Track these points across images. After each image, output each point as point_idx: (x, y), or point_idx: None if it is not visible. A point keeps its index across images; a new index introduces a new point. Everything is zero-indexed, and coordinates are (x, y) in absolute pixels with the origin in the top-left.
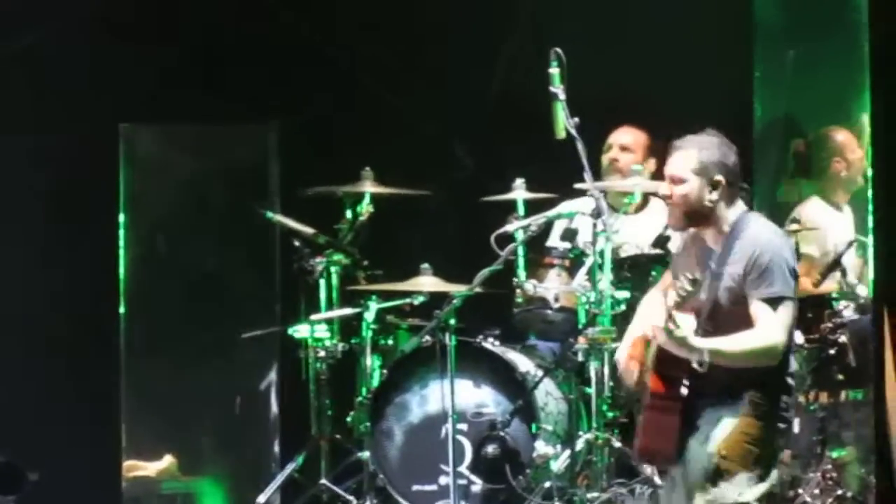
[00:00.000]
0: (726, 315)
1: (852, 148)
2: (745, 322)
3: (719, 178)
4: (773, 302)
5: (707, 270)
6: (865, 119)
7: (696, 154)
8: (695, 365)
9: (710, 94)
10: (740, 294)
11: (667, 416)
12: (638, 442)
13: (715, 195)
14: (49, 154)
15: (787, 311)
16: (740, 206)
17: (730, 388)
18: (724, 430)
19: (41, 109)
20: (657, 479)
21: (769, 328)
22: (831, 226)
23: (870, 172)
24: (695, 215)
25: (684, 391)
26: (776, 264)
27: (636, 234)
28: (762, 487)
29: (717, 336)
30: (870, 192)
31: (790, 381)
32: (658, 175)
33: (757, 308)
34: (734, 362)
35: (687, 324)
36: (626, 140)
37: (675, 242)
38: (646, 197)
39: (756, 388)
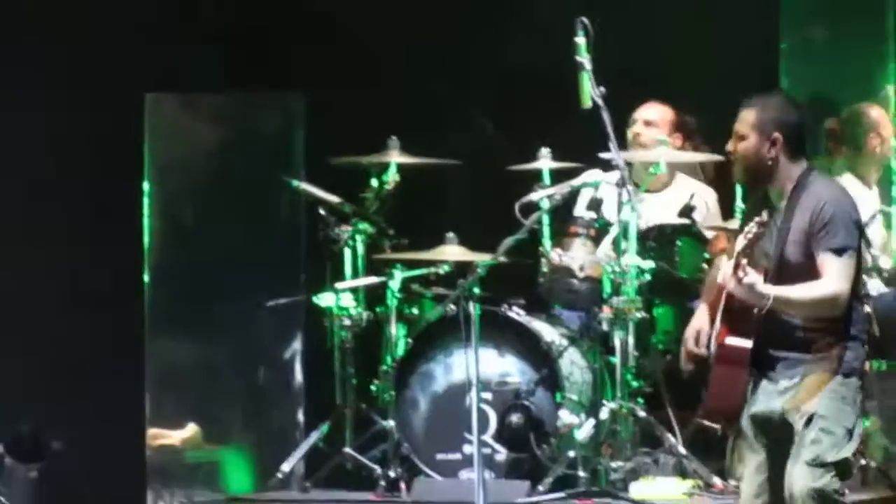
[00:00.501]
0: (794, 270)
1: (885, 124)
2: (812, 276)
3: (777, 134)
4: (838, 252)
5: (774, 227)
6: (891, 91)
7: (757, 111)
8: (756, 310)
9: (736, 68)
10: (807, 248)
11: (735, 369)
12: (707, 400)
13: (773, 152)
14: (74, 124)
15: (850, 262)
16: (804, 164)
17: (803, 342)
18: (811, 388)
19: (67, 79)
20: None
21: (834, 277)
22: (860, 202)
23: (895, 143)
24: (755, 171)
25: (751, 343)
26: (840, 216)
27: (661, 211)
28: (854, 443)
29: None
30: (894, 163)
31: (860, 334)
32: (684, 150)
33: (823, 259)
34: (800, 310)
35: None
36: (651, 115)
37: (701, 211)
38: (671, 173)
39: (831, 341)
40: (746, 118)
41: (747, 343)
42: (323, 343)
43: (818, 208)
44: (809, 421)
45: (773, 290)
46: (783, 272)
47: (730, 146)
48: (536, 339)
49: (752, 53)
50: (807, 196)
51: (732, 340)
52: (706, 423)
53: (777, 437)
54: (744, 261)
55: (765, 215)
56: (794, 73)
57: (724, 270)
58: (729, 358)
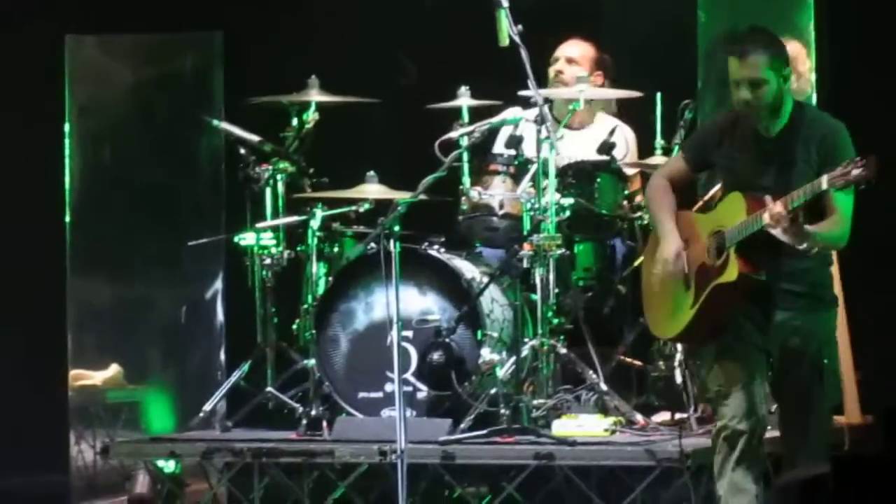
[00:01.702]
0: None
1: (802, 59)
2: (819, 209)
3: (788, 69)
4: (849, 187)
5: (768, 160)
6: (811, 28)
7: (766, 53)
8: (803, 250)
9: (652, 3)
10: (814, 177)
11: (734, 297)
12: (691, 321)
13: (786, 86)
14: None
15: (853, 197)
16: (791, 95)
17: (797, 277)
18: (805, 326)
19: None
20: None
21: (847, 212)
22: None
23: (813, 78)
24: (775, 112)
25: (764, 274)
26: (846, 147)
27: (581, 148)
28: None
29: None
30: (814, 98)
31: None
32: (603, 87)
33: (835, 194)
34: (827, 247)
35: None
36: (573, 52)
37: (620, 148)
38: (591, 111)
39: (818, 276)
40: (758, 63)
41: (762, 277)
42: (244, 282)
43: (827, 141)
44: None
45: (813, 230)
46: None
47: (746, 95)
48: (457, 277)
49: None
50: (806, 129)
51: (749, 271)
52: (676, 343)
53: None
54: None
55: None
56: (713, 10)
57: (775, 210)
58: (742, 287)
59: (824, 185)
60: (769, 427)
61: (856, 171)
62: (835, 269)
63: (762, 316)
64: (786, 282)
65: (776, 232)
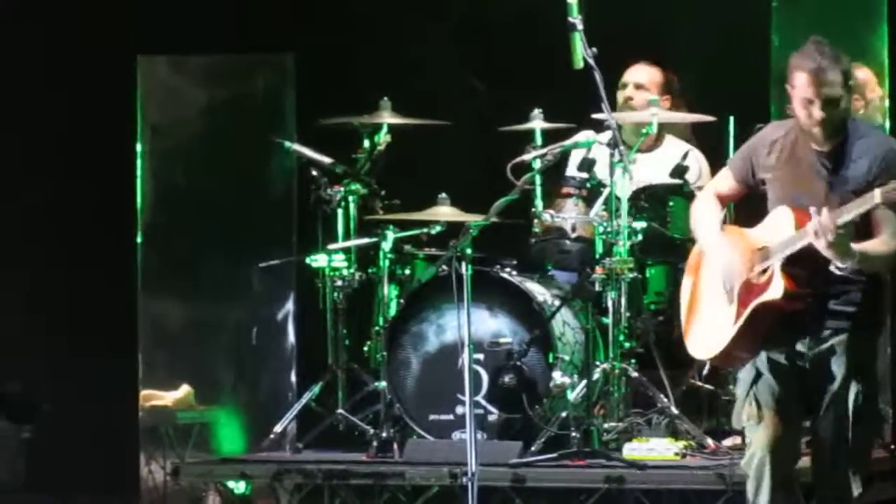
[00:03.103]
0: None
1: (872, 87)
2: (867, 226)
3: (852, 83)
4: None
5: (820, 174)
6: (884, 54)
7: (843, 71)
8: (833, 268)
9: (726, 26)
10: (866, 195)
11: (777, 315)
12: (732, 339)
13: (849, 104)
14: (67, 85)
15: None
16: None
17: (841, 296)
18: (848, 349)
19: (59, 40)
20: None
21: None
22: None
23: (887, 103)
24: (834, 130)
25: (810, 292)
26: None
27: (652, 171)
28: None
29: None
30: (887, 125)
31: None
32: (672, 110)
33: (884, 213)
34: (870, 267)
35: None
36: (642, 78)
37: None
38: (661, 134)
39: (864, 298)
40: (837, 81)
41: (807, 296)
42: (315, 304)
43: (879, 155)
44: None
45: (857, 247)
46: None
47: (819, 114)
48: (528, 300)
49: (742, 12)
50: (865, 141)
51: (795, 287)
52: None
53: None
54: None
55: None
56: (785, 30)
57: (824, 222)
58: (779, 307)
59: (877, 199)
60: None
61: (890, 193)
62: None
63: (803, 338)
64: (832, 302)
65: (820, 246)
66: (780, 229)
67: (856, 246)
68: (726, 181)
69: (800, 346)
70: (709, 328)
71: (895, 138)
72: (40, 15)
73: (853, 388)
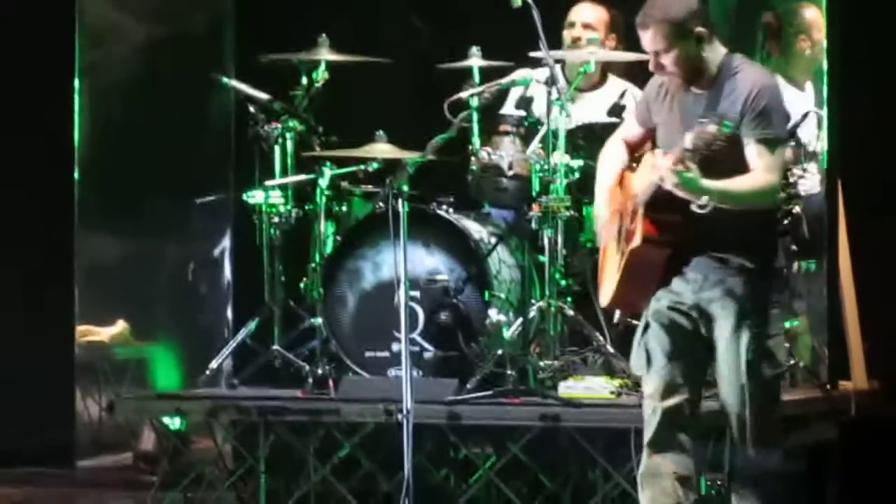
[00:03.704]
0: (718, 154)
1: (819, 27)
2: (737, 162)
3: (700, 29)
4: (771, 143)
5: (694, 114)
6: None
7: (666, 20)
8: (695, 208)
9: None
10: (734, 134)
11: (653, 262)
12: (616, 288)
13: (703, 46)
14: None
15: (782, 153)
16: (718, 45)
17: (725, 240)
18: (735, 293)
19: None
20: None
21: (769, 169)
22: (792, 103)
23: (825, 44)
24: (694, 74)
25: (676, 235)
26: (774, 105)
27: (592, 109)
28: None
29: (710, 177)
30: (825, 65)
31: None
32: (618, 49)
33: (755, 149)
34: (738, 204)
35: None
36: (589, 17)
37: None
38: (603, 74)
39: (752, 241)
40: (656, 33)
41: (664, 250)
42: (252, 240)
43: (751, 95)
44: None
45: (714, 186)
46: (707, 159)
47: (651, 67)
48: (465, 237)
49: None
50: (736, 82)
51: (657, 232)
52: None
53: (693, 330)
54: (689, 155)
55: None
56: None
57: (659, 163)
58: (648, 251)
59: (686, 144)
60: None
61: (711, 128)
62: (842, 236)
63: (684, 284)
64: (711, 246)
65: (667, 186)
66: (646, 174)
67: (712, 183)
68: (631, 127)
69: (683, 293)
70: (606, 275)
71: (768, 71)
72: None
73: (744, 337)
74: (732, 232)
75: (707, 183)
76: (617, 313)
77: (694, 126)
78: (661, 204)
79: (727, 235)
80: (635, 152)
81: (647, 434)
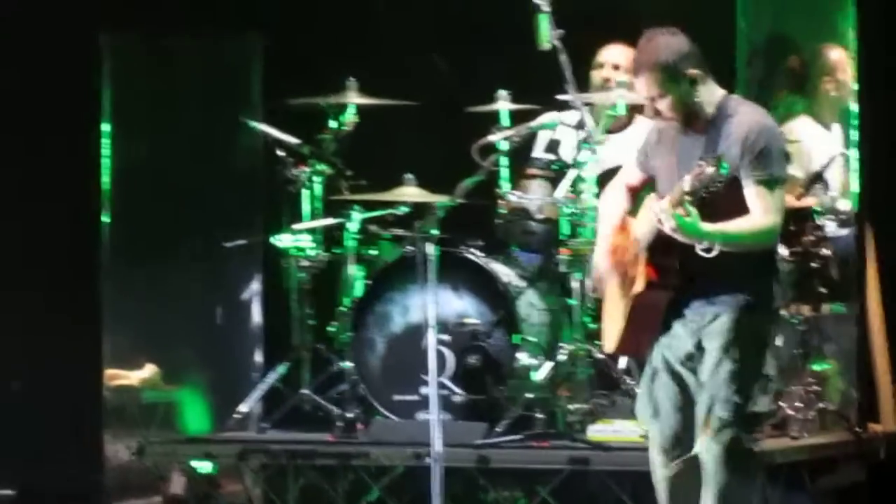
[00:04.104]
0: (718, 198)
1: (844, 67)
2: (736, 204)
3: (692, 70)
4: (770, 184)
5: (692, 158)
6: (852, 35)
7: (657, 65)
8: (701, 252)
9: (692, 9)
10: (733, 176)
11: (656, 306)
12: (621, 333)
13: (698, 89)
14: (29, 64)
15: (782, 194)
16: (715, 86)
17: (721, 282)
18: (725, 330)
19: (19, 18)
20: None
21: (768, 210)
22: (819, 143)
23: (855, 87)
24: (690, 117)
25: (676, 281)
26: (772, 146)
27: (620, 152)
28: (767, 399)
29: (709, 220)
30: (855, 107)
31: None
32: None
33: (754, 191)
34: (738, 246)
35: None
36: (619, 59)
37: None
38: (631, 114)
39: (749, 282)
40: (650, 79)
41: (666, 294)
42: (281, 284)
43: (749, 137)
44: (725, 357)
45: (713, 229)
46: (707, 203)
47: (649, 113)
48: (494, 280)
49: None
50: (734, 123)
51: (657, 277)
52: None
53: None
54: (688, 199)
55: (723, 160)
56: (752, 16)
57: (659, 207)
58: (650, 296)
59: (685, 187)
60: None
61: (709, 170)
62: (871, 278)
63: (685, 327)
64: (713, 287)
65: (667, 230)
66: (646, 219)
67: (712, 226)
68: (633, 171)
69: (683, 338)
70: (610, 321)
71: (766, 112)
72: None
73: (725, 368)
74: (728, 271)
75: (706, 226)
76: (621, 360)
77: (693, 168)
78: (661, 248)
79: (724, 275)
80: (636, 197)
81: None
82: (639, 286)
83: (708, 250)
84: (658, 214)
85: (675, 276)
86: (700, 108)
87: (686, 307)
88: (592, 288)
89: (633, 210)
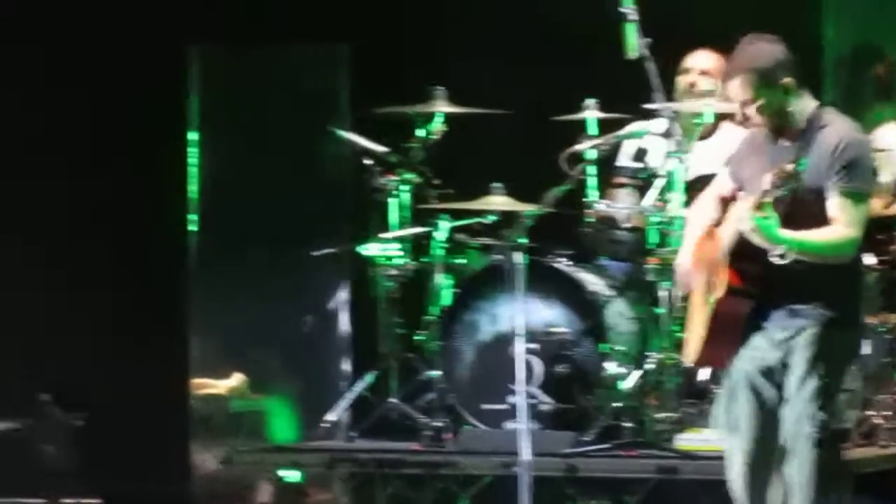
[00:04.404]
0: (803, 208)
1: None
2: (820, 215)
3: (787, 79)
4: (855, 197)
5: (773, 165)
6: None
7: (753, 70)
8: (774, 259)
9: (778, 15)
10: (819, 187)
11: (737, 314)
12: (703, 343)
13: (791, 98)
14: (118, 74)
15: (866, 208)
16: (808, 98)
17: (806, 293)
18: (810, 345)
19: (108, 30)
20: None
21: (849, 223)
22: None
23: None
24: (781, 125)
25: (759, 286)
26: (861, 160)
27: (707, 159)
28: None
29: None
30: None
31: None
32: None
33: (838, 202)
34: (815, 256)
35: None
36: (706, 64)
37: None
38: (717, 121)
39: (835, 295)
40: (745, 83)
41: (747, 302)
42: (369, 293)
43: (839, 148)
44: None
45: (791, 236)
46: (792, 210)
47: (738, 119)
48: (582, 289)
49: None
50: (825, 134)
51: (740, 282)
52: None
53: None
54: (767, 199)
55: (791, 167)
56: (839, 24)
57: (739, 213)
58: (732, 302)
59: (765, 185)
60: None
61: (788, 167)
62: None
63: (766, 337)
64: (793, 298)
65: (746, 231)
66: (731, 223)
67: (790, 233)
68: (725, 181)
69: (765, 351)
70: (693, 331)
71: (857, 127)
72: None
73: (809, 386)
74: (814, 283)
75: (784, 233)
76: (701, 371)
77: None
78: (743, 252)
79: (808, 287)
80: (727, 208)
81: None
82: (720, 291)
83: (782, 257)
84: (739, 215)
85: (756, 283)
86: (792, 117)
87: (768, 319)
88: (680, 296)
89: (723, 220)
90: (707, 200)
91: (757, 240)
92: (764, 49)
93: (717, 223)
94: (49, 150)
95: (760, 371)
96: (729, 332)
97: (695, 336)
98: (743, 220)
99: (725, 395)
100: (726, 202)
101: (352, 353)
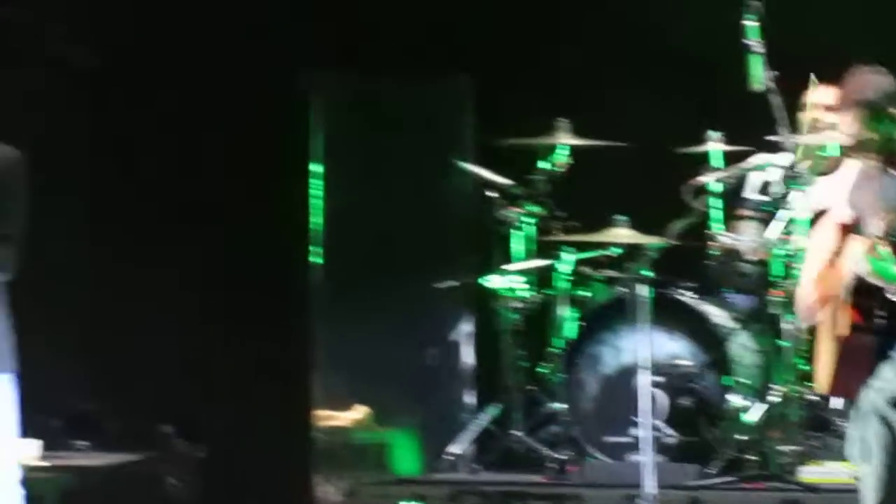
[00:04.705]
0: None
1: None
2: None
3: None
4: None
5: (892, 198)
6: None
7: (861, 103)
8: (891, 295)
9: None
10: None
11: (864, 348)
12: (833, 374)
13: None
14: (244, 108)
15: None
16: None
17: None
18: None
19: (234, 64)
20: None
21: None
22: None
23: None
24: (893, 157)
25: (880, 323)
26: None
27: (831, 192)
28: None
29: None
30: None
31: None
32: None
33: None
34: None
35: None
36: (828, 99)
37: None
38: (841, 155)
39: None
40: (854, 115)
41: (872, 337)
42: (492, 325)
43: None
44: None
45: None
46: None
47: (849, 150)
48: (706, 322)
49: None
50: None
51: (862, 320)
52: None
53: None
54: (880, 242)
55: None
56: None
57: (856, 251)
58: (858, 339)
59: (874, 230)
60: None
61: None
62: None
63: (892, 372)
64: None
65: (863, 273)
66: (851, 261)
67: None
68: (843, 210)
69: (893, 378)
70: (822, 361)
71: None
72: (218, 27)
73: None
74: None
75: None
76: (833, 400)
77: (891, 209)
78: (862, 291)
79: None
80: (847, 236)
81: None
82: (844, 329)
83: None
84: (855, 258)
85: (879, 320)
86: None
87: (893, 348)
88: (804, 328)
89: (844, 249)
90: (827, 229)
91: (874, 280)
92: (871, 81)
93: (838, 252)
94: (178, 190)
95: (888, 402)
96: (857, 364)
97: (824, 366)
98: (859, 262)
99: (856, 425)
100: (846, 230)
101: (476, 385)
